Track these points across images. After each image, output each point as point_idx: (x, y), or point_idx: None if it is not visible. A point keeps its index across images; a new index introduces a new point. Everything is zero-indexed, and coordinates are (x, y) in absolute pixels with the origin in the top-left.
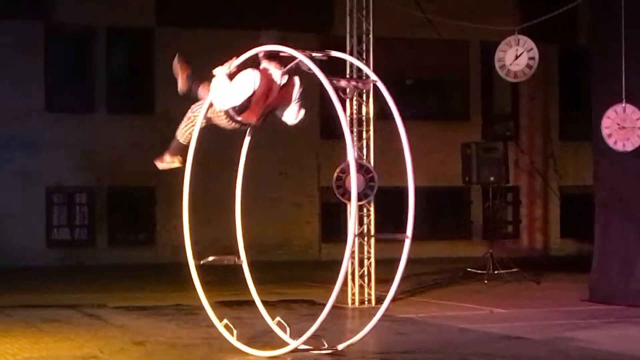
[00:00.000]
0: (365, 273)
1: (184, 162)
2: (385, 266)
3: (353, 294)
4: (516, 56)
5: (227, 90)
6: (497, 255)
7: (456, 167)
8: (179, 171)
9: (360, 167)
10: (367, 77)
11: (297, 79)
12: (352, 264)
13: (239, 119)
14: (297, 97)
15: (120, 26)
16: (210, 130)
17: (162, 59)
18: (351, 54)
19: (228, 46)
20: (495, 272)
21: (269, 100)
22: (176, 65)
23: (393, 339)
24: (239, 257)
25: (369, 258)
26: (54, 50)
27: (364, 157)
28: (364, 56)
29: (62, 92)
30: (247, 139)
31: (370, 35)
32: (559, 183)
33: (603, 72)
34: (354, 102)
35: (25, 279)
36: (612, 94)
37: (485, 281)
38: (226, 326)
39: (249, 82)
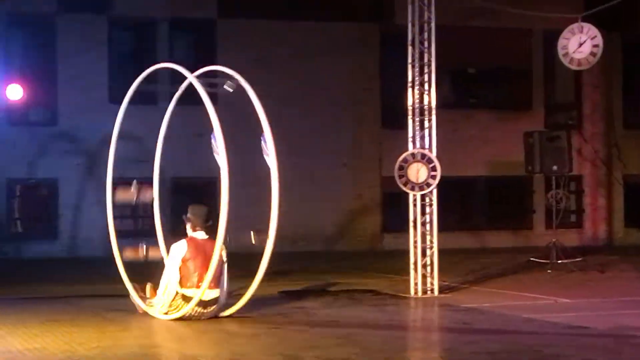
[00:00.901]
0: (428, 263)
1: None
2: (449, 256)
3: (416, 284)
4: (580, 44)
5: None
6: (561, 244)
7: (518, 157)
8: (243, 161)
9: (423, 157)
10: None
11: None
12: (415, 253)
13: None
14: None
15: (182, 18)
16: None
17: (224, 50)
18: (413, 42)
19: (288, 37)
20: (559, 261)
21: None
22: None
23: (458, 329)
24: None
25: (431, 248)
26: (117, 42)
27: (427, 147)
28: (426, 45)
29: (124, 84)
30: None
31: (432, 24)
32: (623, 172)
33: None
34: (416, 91)
35: (88, 270)
36: None
37: (549, 271)
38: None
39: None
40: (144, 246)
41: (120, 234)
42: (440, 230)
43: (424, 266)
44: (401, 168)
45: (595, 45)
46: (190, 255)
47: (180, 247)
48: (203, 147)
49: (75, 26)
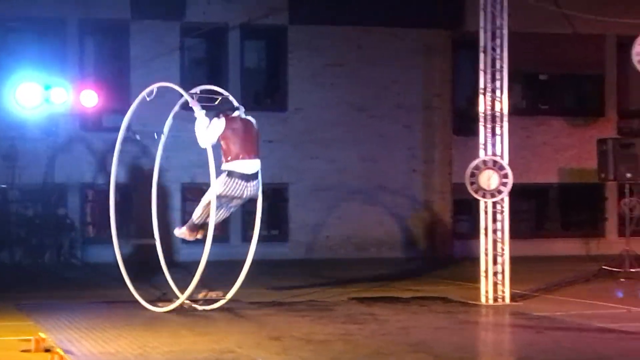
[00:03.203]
0: (499, 270)
1: (204, 235)
2: (520, 264)
3: (487, 292)
4: None
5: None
6: (634, 252)
7: (591, 164)
8: (313, 168)
9: (494, 164)
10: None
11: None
12: (486, 261)
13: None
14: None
15: (254, 24)
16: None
17: (295, 56)
18: (485, 49)
19: (357, 43)
20: (632, 270)
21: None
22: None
23: (531, 338)
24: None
25: (502, 255)
26: (189, 49)
27: (498, 154)
28: (498, 51)
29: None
30: None
31: (504, 30)
32: None
33: None
34: (488, 98)
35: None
36: None
37: (622, 279)
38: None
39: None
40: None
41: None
42: (511, 237)
43: (495, 274)
44: (472, 175)
45: None
46: (230, 128)
47: (219, 123)
48: (273, 153)
49: (148, 32)
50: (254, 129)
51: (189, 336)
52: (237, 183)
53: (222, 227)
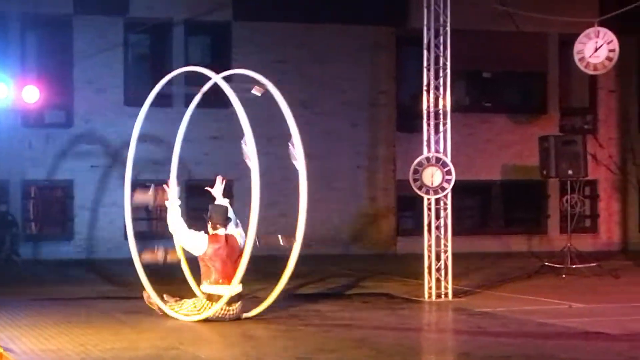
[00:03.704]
0: (442, 267)
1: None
2: (464, 260)
3: (430, 288)
4: (596, 48)
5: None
6: (575, 249)
7: (534, 161)
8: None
9: (437, 161)
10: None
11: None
12: (429, 257)
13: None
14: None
15: (198, 21)
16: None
17: (240, 52)
18: (428, 46)
19: (302, 40)
20: (574, 266)
21: (227, 255)
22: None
23: (473, 333)
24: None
25: (445, 252)
26: (133, 45)
27: (441, 150)
28: (441, 49)
29: (140, 86)
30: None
31: (448, 28)
32: (638, 176)
33: None
34: (431, 95)
35: (105, 271)
36: None
37: (564, 275)
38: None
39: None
40: (162, 249)
41: (136, 236)
42: (454, 234)
43: (438, 270)
44: (416, 172)
45: (612, 50)
46: (212, 251)
47: (202, 240)
48: (219, 149)
49: (92, 28)
50: (237, 247)
51: (131, 333)
52: (219, 307)
53: (165, 225)
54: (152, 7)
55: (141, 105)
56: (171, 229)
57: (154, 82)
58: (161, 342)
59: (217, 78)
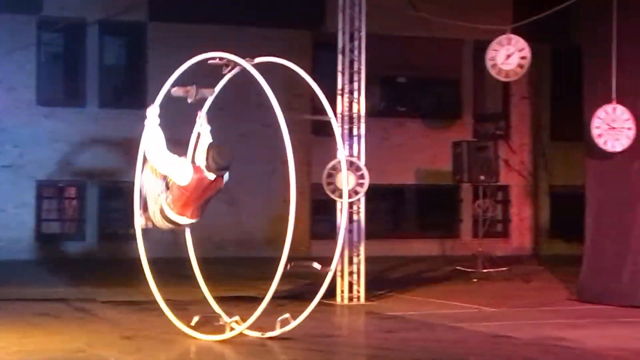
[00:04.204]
0: (355, 271)
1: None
2: (375, 264)
3: (342, 291)
4: (508, 55)
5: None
6: (487, 254)
7: (447, 166)
8: None
9: (351, 165)
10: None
11: (226, 176)
12: (342, 261)
13: (175, 218)
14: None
15: (113, 20)
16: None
17: (155, 53)
18: (343, 51)
19: (220, 42)
20: (485, 270)
21: (202, 194)
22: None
23: (381, 337)
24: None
25: (358, 255)
26: (46, 44)
27: (355, 155)
28: (356, 53)
29: (53, 86)
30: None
31: (363, 33)
32: (549, 182)
33: (594, 73)
34: (346, 99)
35: (15, 273)
36: (603, 94)
37: (475, 280)
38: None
39: (184, 169)
40: (194, 87)
41: (46, 238)
42: (368, 238)
43: (351, 274)
44: (329, 175)
45: (523, 57)
46: (191, 184)
47: (188, 167)
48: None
49: (4, 26)
50: (214, 191)
51: (40, 336)
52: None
53: (77, 226)
54: (66, 6)
55: (54, 104)
56: (150, 153)
57: (68, 82)
58: (69, 344)
59: (246, 64)
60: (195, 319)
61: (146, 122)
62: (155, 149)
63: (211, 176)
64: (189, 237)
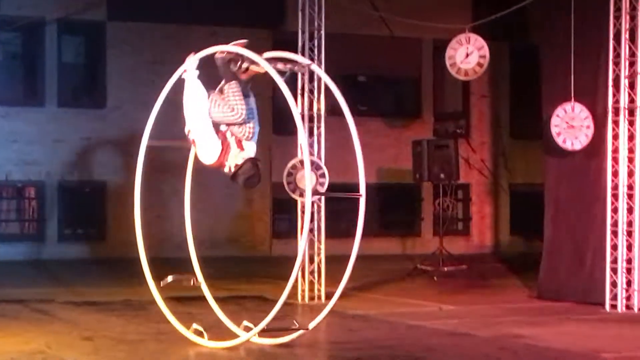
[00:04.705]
0: (316, 269)
1: None
2: (336, 263)
3: (303, 290)
4: (467, 54)
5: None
6: (447, 252)
7: (408, 164)
8: (131, 166)
9: (312, 164)
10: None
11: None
12: (303, 260)
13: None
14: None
15: (72, 19)
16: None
17: (114, 53)
18: (303, 50)
19: (179, 41)
20: (445, 269)
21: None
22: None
23: (343, 336)
24: (196, 279)
25: (319, 254)
26: (3, 43)
27: (315, 154)
28: (316, 52)
29: (11, 85)
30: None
31: (322, 32)
32: (509, 180)
33: (553, 71)
34: (306, 99)
35: None
36: (562, 92)
37: (435, 278)
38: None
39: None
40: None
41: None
42: (329, 236)
43: (312, 273)
44: (290, 174)
45: (482, 56)
46: (212, 165)
47: (217, 145)
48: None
49: None
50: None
51: None
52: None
53: (38, 226)
54: (24, 5)
55: (11, 104)
56: (188, 115)
57: (26, 81)
58: (28, 345)
59: (264, 63)
60: (169, 278)
61: (185, 75)
62: (195, 112)
63: (226, 170)
64: (189, 237)
